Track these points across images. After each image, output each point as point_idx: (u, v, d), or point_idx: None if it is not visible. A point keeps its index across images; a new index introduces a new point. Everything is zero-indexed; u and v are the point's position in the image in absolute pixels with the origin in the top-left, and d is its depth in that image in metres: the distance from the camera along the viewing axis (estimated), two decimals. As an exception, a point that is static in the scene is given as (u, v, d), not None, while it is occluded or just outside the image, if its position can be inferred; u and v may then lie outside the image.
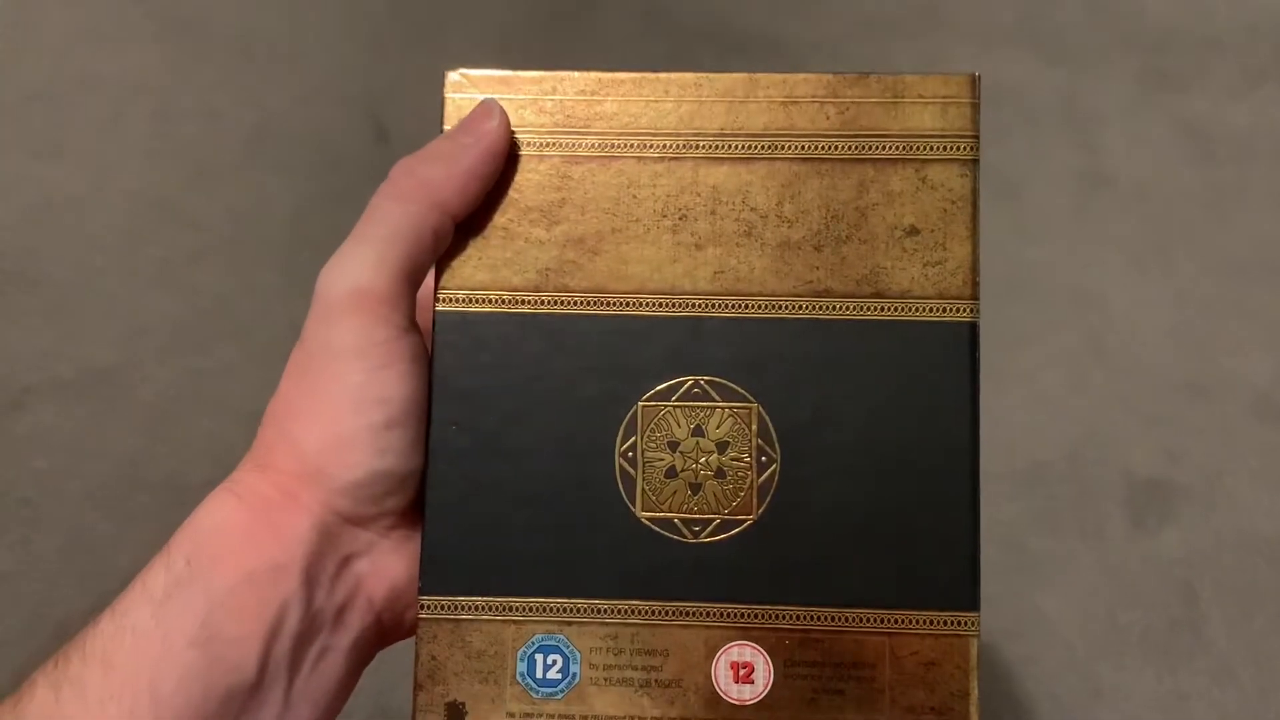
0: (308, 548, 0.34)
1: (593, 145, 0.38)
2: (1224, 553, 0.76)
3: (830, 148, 0.37)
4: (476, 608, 0.36)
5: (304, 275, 0.38)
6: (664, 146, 0.37)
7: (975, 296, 0.36)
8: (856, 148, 0.37)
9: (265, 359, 0.88)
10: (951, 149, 0.37)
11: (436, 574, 0.36)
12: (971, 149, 0.37)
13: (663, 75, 0.38)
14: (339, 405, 0.35)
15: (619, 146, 0.38)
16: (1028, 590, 0.83)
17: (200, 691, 0.32)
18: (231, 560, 0.34)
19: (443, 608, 0.36)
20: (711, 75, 0.38)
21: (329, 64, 1.02)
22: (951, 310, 0.36)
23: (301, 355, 0.36)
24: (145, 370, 0.91)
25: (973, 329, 0.36)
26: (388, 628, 0.38)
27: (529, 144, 0.38)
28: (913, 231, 0.37)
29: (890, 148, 0.37)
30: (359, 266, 0.35)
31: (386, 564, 0.37)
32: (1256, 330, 0.82)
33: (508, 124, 0.37)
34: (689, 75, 0.38)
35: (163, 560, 0.34)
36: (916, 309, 0.36)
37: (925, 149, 0.37)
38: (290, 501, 0.35)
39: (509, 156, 0.38)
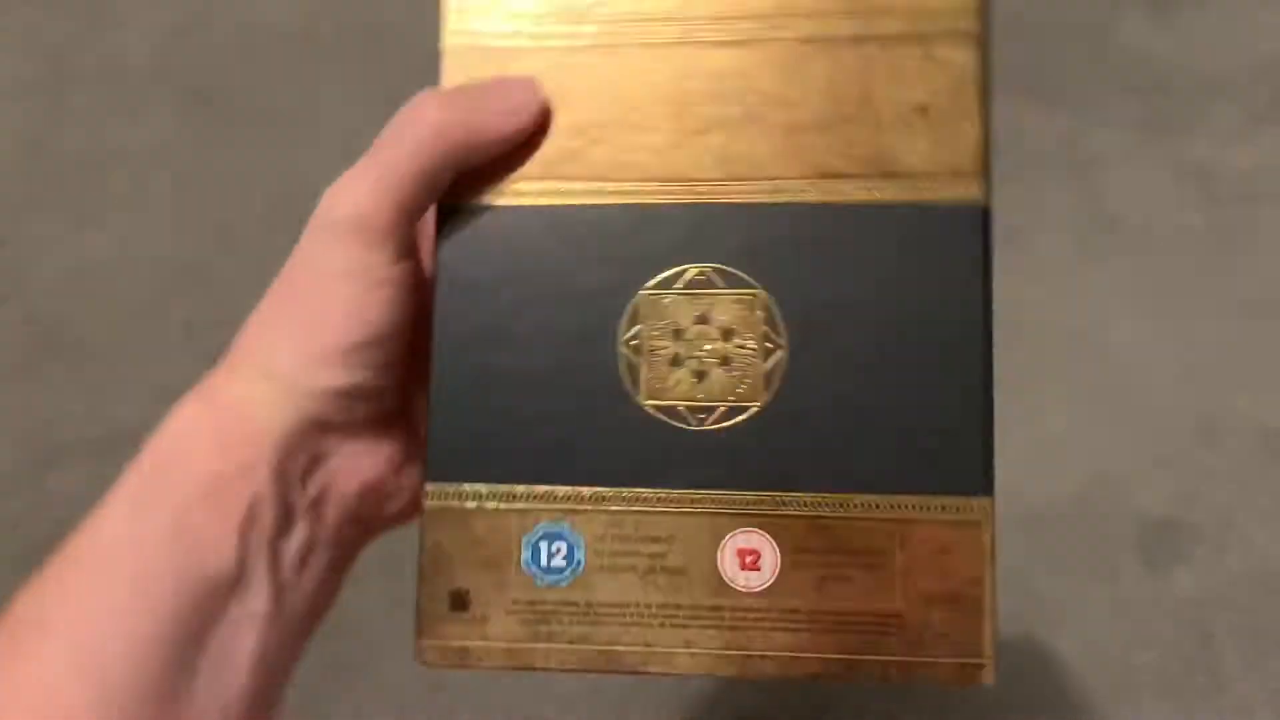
0: (276, 447, 0.35)
1: (591, 34, 0.37)
2: (1238, 592, 0.76)
3: (834, 27, 0.36)
4: (481, 496, 0.36)
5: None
6: (663, 33, 0.37)
7: (987, 175, 0.35)
8: (860, 26, 0.36)
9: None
10: (958, 24, 0.36)
11: (441, 462, 0.36)
12: (979, 24, 0.36)
13: None
14: (321, 321, 0.35)
15: (618, 34, 0.37)
16: (1040, 632, 0.82)
17: (179, 581, 0.33)
18: (199, 460, 0.35)
19: (447, 496, 0.36)
20: None
21: (347, 128, 1.03)
22: (961, 188, 0.35)
23: (290, 270, 0.36)
24: (173, 431, 0.92)
25: (984, 210, 0.35)
26: (366, 521, 0.38)
27: (527, 34, 0.37)
28: (921, 110, 0.36)
29: (895, 26, 0.36)
30: (359, 193, 0.35)
31: (357, 463, 0.37)
32: (1265, 369, 0.82)
33: (545, 105, 0.37)
34: None
35: (134, 467, 0.35)
36: (926, 188, 0.35)
37: (931, 25, 0.36)
38: (259, 404, 0.35)
39: (509, 52, 0.37)
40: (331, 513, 0.37)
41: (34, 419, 0.94)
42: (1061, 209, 0.92)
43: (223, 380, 0.36)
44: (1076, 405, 0.87)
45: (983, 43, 0.36)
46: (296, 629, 0.36)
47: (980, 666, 0.34)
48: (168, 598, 0.33)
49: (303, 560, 0.36)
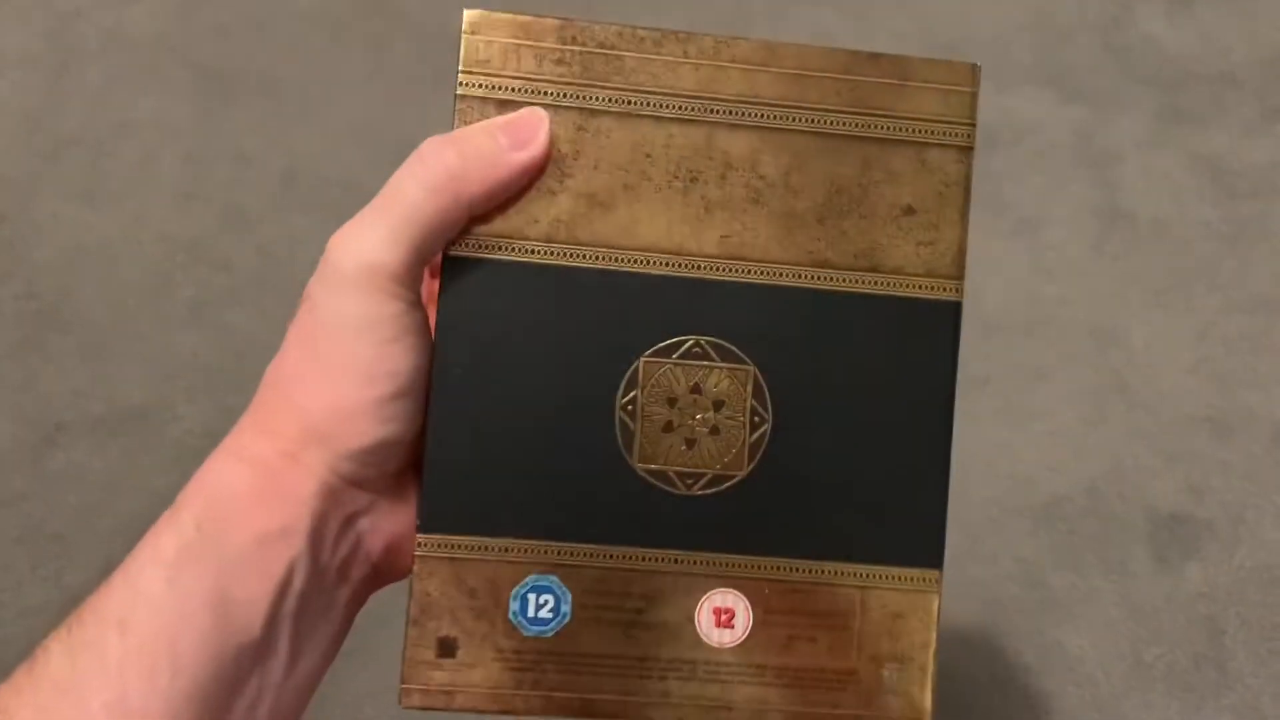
0: (313, 509, 0.35)
1: (610, 100, 0.38)
2: (1249, 588, 0.76)
3: (839, 123, 0.38)
4: (473, 548, 0.37)
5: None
6: (680, 108, 0.38)
7: (961, 276, 0.38)
8: (863, 125, 0.38)
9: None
10: (950, 134, 0.38)
11: (436, 514, 0.37)
12: (968, 136, 0.38)
13: (682, 34, 0.38)
14: (347, 377, 0.36)
15: (636, 104, 0.38)
16: (1050, 626, 0.83)
17: (214, 652, 0.33)
18: (241, 523, 0.34)
19: (440, 546, 0.37)
20: (730, 39, 0.38)
21: (356, 107, 1.05)
22: (939, 289, 0.38)
23: (309, 323, 0.36)
24: (176, 409, 0.92)
25: (957, 308, 0.38)
26: (382, 574, 0.39)
27: (545, 94, 0.38)
28: (909, 211, 0.38)
29: (894, 128, 0.38)
30: (374, 242, 0.35)
31: (386, 520, 0.38)
32: (1278, 365, 0.82)
33: (550, 140, 0.37)
34: (708, 38, 0.38)
35: (171, 523, 0.35)
36: (908, 285, 0.38)
37: (926, 132, 0.38)
38: (295, 465, 0.35)
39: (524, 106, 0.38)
40: (356, 573, 0.37)
41: (36, 396, 0.94)
42: (1076, 202, 0.92)
43: (256, 438, 0.36)
44: (1088, 399, 0.87)
45: (971, 150, 0.39)
46: (305, 689, 0.36)
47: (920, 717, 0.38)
48: (201, 672, 0.33)
49: (317, 623, 0.36)
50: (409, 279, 0.36)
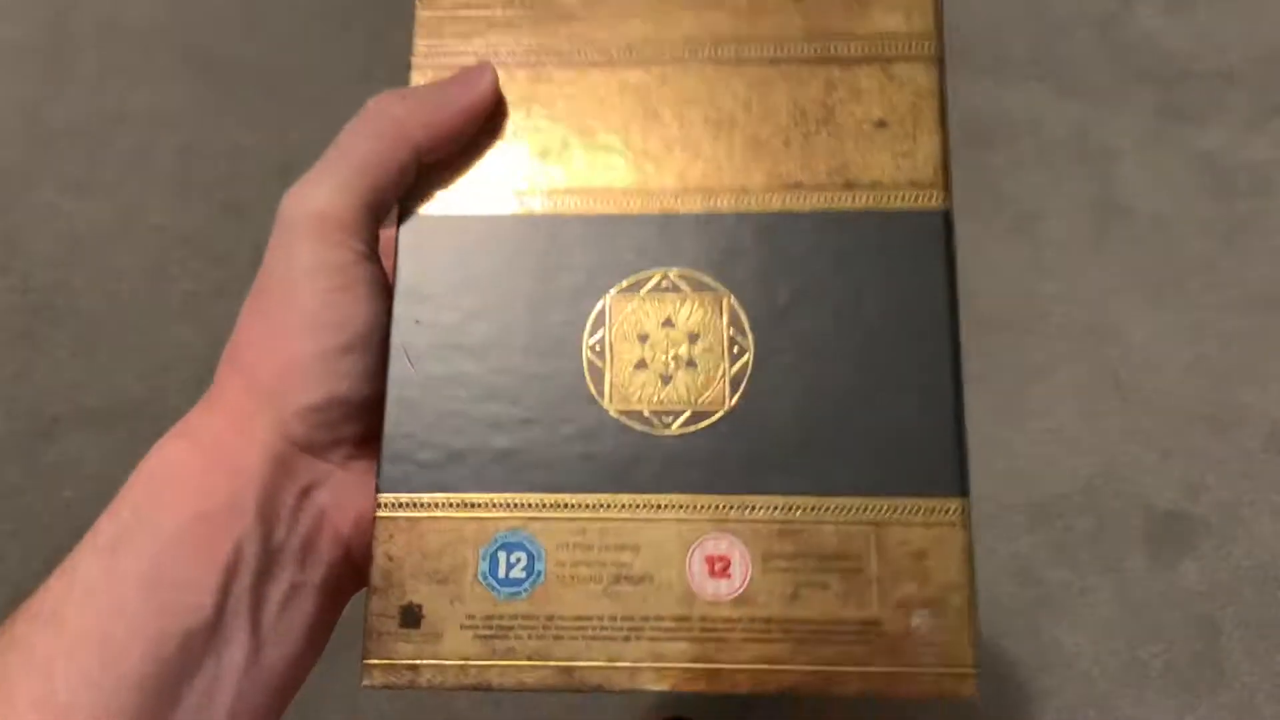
0: (261, 481, 0.33)
1: (561, 52, 0.38)
2: (1244, 586, 0.76)
3: (797, 50, 0.37)
4: (435, 505, 0.35)
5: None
6: (633, 53, 0.38)
7: (947, 186, 0.36)
8: (822, 50, 0.37)
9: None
10: (915, 47, 0.37)
11: (394, 470, 0.35)
12: (934, 48, 0.37)
13: None
14: (293, 328, 0.34)
15: (588, 54, 0.38)
16: (1046, 623, 0.81)
17: (154, 638, 0.31)
18: (179, 502, 0.33)
19: (401, 506, 0.35)
20: None
21: (354, 99, 1.02)
22: (924, 198, 0.36)
23: (259, 284, 0.35)
24: (171, 401, 0.92)
25: (945, 215, 0.36)
26: (362, 562, 0.36)
27: (497, 54, 0.38)
28: (881, 124, 0.37)
29: (856, 49, 0.37)
30: (322, 192, 0.35)
31: (350, 496, 0.35)
32: (1274, 362, 0.83)
33: (498, 88, 0.37)
34: None
35: (110, 511, 0.33)
36: (888, 198, 0.36)
37: (890, 49, 0.37)
38: (241, 434, 0.34)
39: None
40: (325, 553, 0.35)
41: (31, 390, 0.94)
42: (1073, 198, 0.91)
43: (205, 415, 0.35)
44: (1084, 396, 0.86)
45: (940, 62, 0.37)
46: (278, 683, 0.34)
47: (964, 677, 0.33)
48: (141, 660, 0.31)
49: (286, 607, 0.34)
50: (359, 229, 0.35)
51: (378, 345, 0.35)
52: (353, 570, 0.36)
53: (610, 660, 0.33)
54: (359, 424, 0.35)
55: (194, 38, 1.09)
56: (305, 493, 0.35)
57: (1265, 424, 0.83)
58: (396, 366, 0.35)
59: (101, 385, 0.94)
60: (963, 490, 0.34)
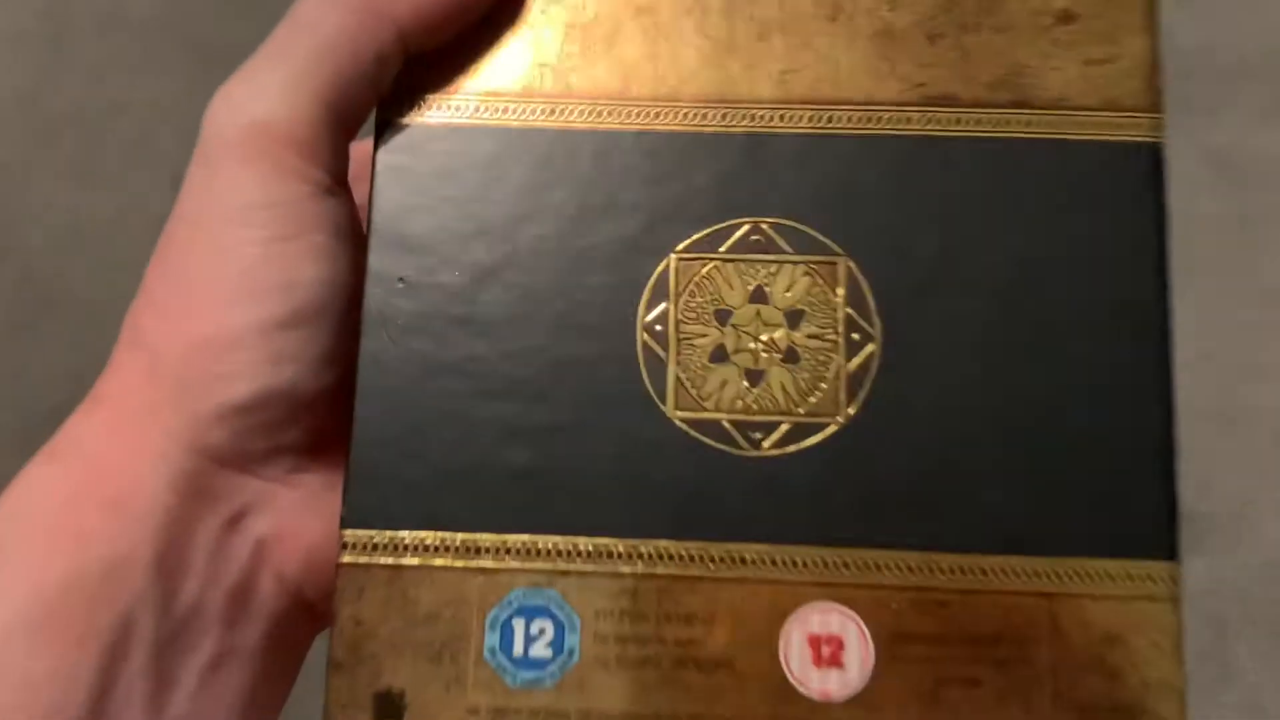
0: (162, 516, 0.23)
1: None
2: (1252, 584, 0.74)
3: None
4: (425, 548, 0.24)
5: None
6: None
7: (1159, 109, 0.26)
8: None
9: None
10: None
11: (366, 497, 0.24)
12: None
13: None
14: (218, 291, 0.24)
15: None
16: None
17: None
18: (32, 563, 0.23)
19: (375, 549, 0.24)
20: None
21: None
22: (1126, 126, 0.25)
23: (169, 228, 0.25)
24: (170, 393, 0.91)
25: (1156, 152, 0.25)
26: (320, 607, 0.27)
27: None
28: (1067, 18, 0.26)
29: None
30: (264, 90, 0.24)
31: (298, 522, 0.25)
32: None
33: None
34: None
35: None
36: (1076, 123, 0.25)
37: None
38: (134, 447, 0.24)
39: None
40: (265, 606, 0.25)
41: (30, 381, 0.91)
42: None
43: (83, 419, 0.25)
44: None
45: None
46: None
47: None
48: None
49: (207, 686, 0.24)
50: (317, 148, 0.25)
51: (339, 317, 0.25)
52: (309, 619, 0.26)
53: None
54: (309, 426, 0.25)
55: (194, 28, 1.06)
56: (232, 524, 0.25)
57: (1275, 421, 0.82)
58: (371, 345, 0.25)
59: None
60: (1172, 553, 0.24)
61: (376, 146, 0.26)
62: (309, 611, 0.26)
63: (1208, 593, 0.74)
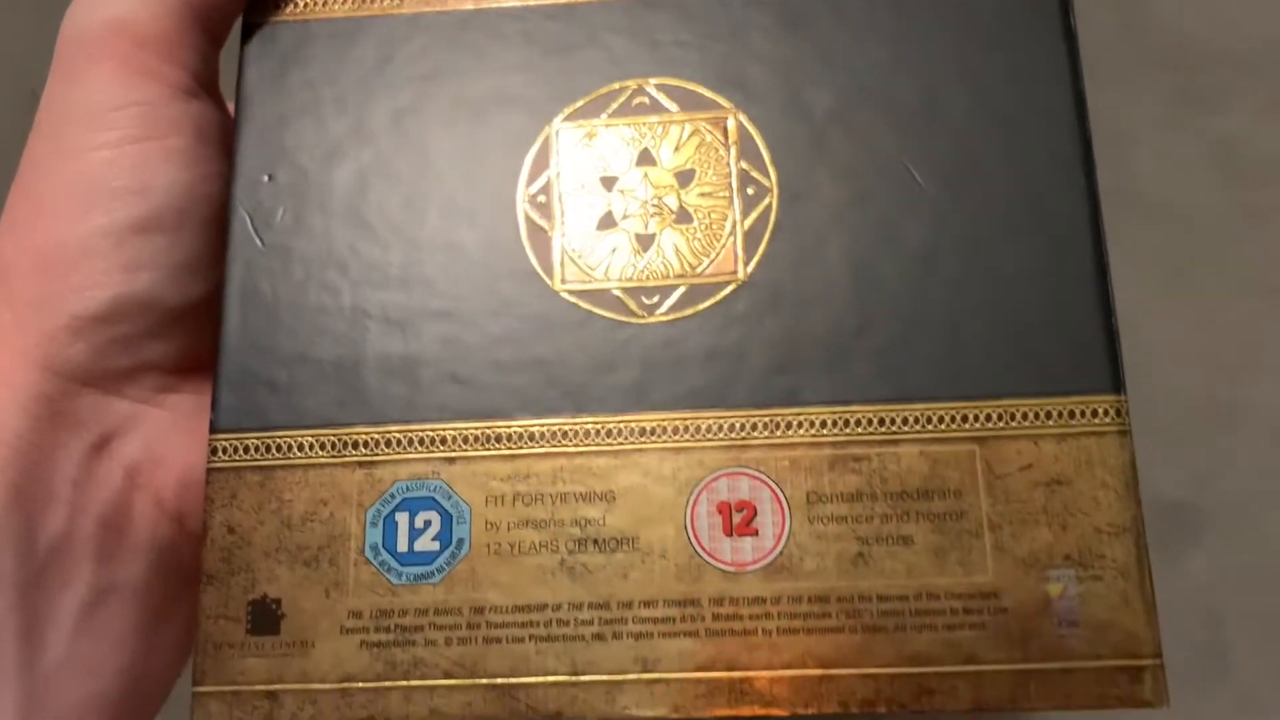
0: (14, 446, 0.22)
1: None
2: (1251, 580, 0.72)
3: None
4: (299, 446, 0.22)
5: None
6: None
7: None
8: None
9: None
10: None
11: (235, 398, 0.23)
12: None
13: None
14: (69, 199, 0.22)
15: None
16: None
17: None
18: None
19: (246, 450, 0.22)
20: None
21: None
22: None
23: (33, 138, 0.24)
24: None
25: None
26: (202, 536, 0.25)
27: None
28: None
29: None
30: None
31: (171, 445, 0.24)
32: None
33: None
34: None
35: None
36: None
37: None
38: None
39: None
40: (143, 536, 0.23)
41: None
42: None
43: None
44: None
45: None
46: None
47: (1140, 672, 0.20)
48: None
49: (88, 625, 0.22)
50: (177, 48, 0.24)
51: (204, 225, 0.24)
52: (198, 548, 0.24)
53: (574, 673, 0.21)
54: (174, 339, 0.24)
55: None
56: (98, 449, 0.23)
57: (1275, 416, 0.79)
58: (238, 242, 0.23)
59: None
60: (1116, 384, 0.22)
61: (243, 46, 0.25)
62: (197, 541, 0.24)
63: (1206, 588, 0.74)
